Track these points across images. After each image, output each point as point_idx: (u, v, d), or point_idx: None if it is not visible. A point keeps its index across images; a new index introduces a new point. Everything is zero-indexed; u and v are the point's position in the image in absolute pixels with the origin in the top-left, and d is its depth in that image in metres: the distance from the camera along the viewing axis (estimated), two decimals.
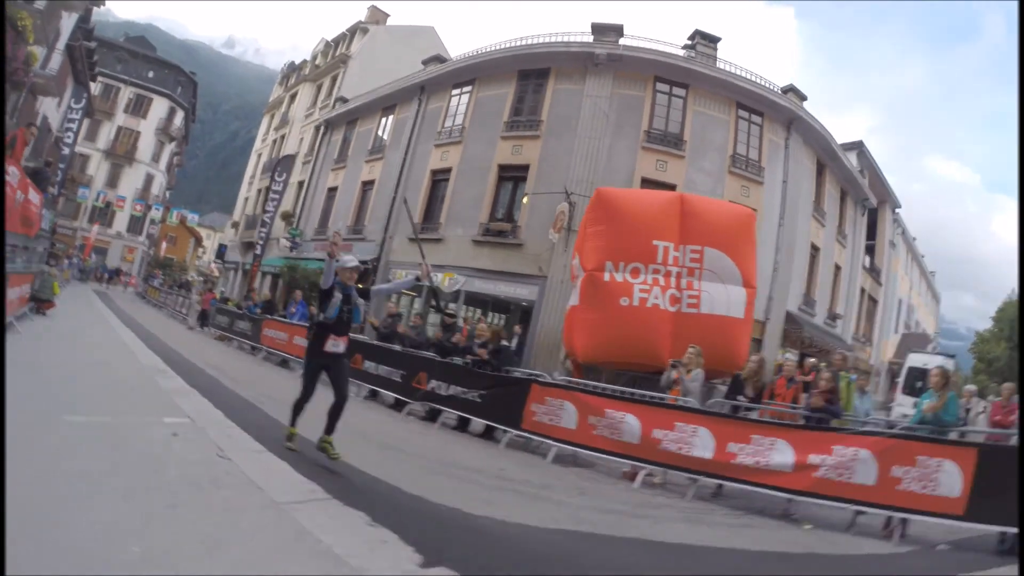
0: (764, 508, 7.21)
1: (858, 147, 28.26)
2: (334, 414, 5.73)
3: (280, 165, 31.57)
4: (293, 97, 41.04)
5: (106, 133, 51.91)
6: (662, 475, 7.90)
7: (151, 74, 54.72)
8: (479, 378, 9.62)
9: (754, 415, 8.47)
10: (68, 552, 2.89)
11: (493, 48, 22.33)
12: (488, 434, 9.43)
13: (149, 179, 54.79)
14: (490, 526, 4.85)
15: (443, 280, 19.57)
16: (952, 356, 26.13)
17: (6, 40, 15.69)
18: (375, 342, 11.96)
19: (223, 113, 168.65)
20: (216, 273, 48.27)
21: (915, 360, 22.90)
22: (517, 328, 16.88)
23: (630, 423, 7.86)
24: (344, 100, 32.09)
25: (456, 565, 3.61)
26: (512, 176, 20.52)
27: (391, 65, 31.72)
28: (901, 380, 23.15)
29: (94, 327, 15.09)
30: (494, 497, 5.92)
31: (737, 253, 12.38)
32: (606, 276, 12.13)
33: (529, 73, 21.04)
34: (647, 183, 18.46)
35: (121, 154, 52.54)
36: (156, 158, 55.49)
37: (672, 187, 17.88)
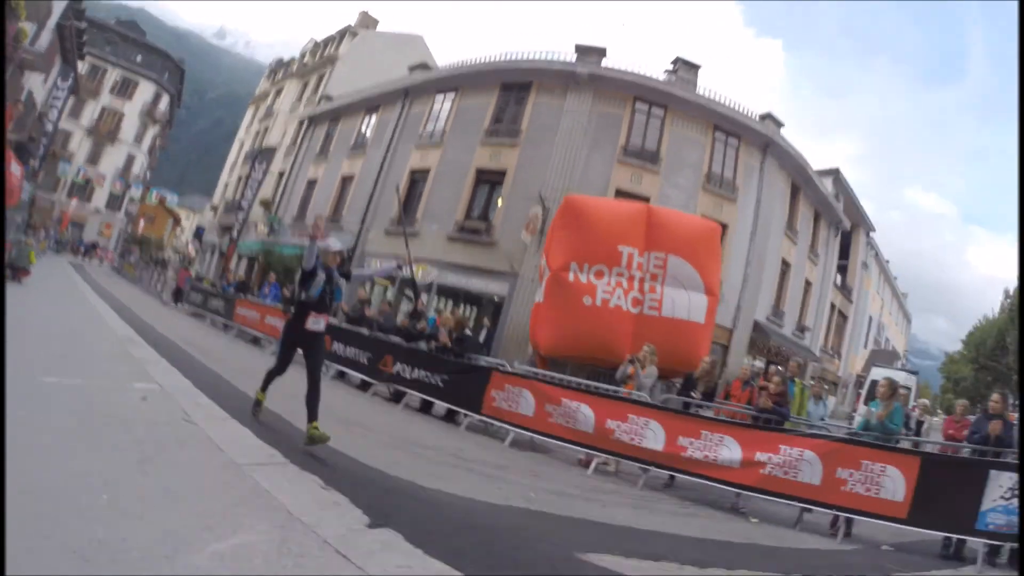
0: (714, 501, 7.55)
1: (834, 174, 29.01)
2: (311, 401, 5.69)
3: (261, 155, 31.78)
4: (279, 91, 41.15)
5: (90, 112, 51.37)
6: (615, 464, 8.23)
7: (139, 58, 54.26)
8: (443, 363, 9.88)
9: (709, 413, 8.84)
10: (41, 495, 3.08)
11: (478, 61, 22.61)
12: (450, 417, 9.70)
13: (130, 159, 54.38)
14: (440, 498, 5.08)
15: (417, 271, 19.78)
16: (915, 372, 26.81)
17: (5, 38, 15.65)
18: (344, 325, 12.14)
19: (209, 101, 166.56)
20: (193, 253, 48.01)
21: (877, 374, 23.39)
22: (486, 321, 17.12)
23: (585, 413, 8.18)
24: (329, 98, 32.26)
25: (400, 528, 3.82)
26: (489, 180, 20.76)
27: (378, 69, 31.94)
28: (863, 392, 23.70)
29: (69, 297, 15.13)
30: (449, 473, 6.15)
31: (701, 262, 12.65)
32: (571, 276, 12.33)
33: (511, 86, 21.31)
34: (621, 194, 18.77)
35: (104, 133, 52.00)
36: (139, 139, 55.02)
37: (646, 199, 18.09)
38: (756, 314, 21.32)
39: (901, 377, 20.49)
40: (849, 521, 6.95)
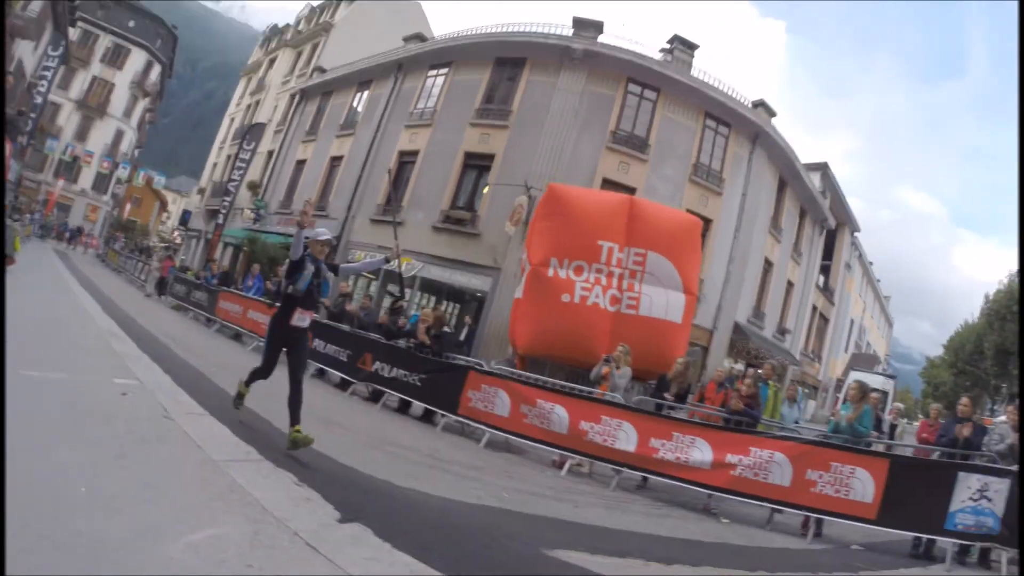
0: (686, 502, 7.70)
1: (822, 168, 29.09)
2: (294, 404, 5.49)
3: (250, 133, 31.21)
4: (272, 62, 40.39)
5: (80, 82, 50.21)
6: (589, 465, 8.39)
7: (132, 23, 53.03)
8: (420, 362, 9.93)
9: (682, 415, 9.03)
10: (22, 486, 3.15)
11: (473, 32, 22.40)
12: (427, 417, 9.76)
13: (119, 135, 53.30)
14: (413, 496, 5.20)
15: (401, 263, 19.72)
16: (893, 377, 27.28)
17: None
18: (324, 320, 11.99)
19: (201, 70, 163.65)
20: (178, 240, 47.58)
21: (854, 378, 23.76)
22: (468, 319, 17.18)
23: (559, 414, 8.31)
24: (322, 70, 31.74)
25: (370, 523, 3.97)
26: (477, 165, 20.62)
27: (373, 38, 31.22)
28: (841, 396, 24.05)
29: (54, 287, 15.07)
30: (423, 473, 6.27)
31: (680, 260, 12.83)
32: (550, 272, 12.47)
33: (505, 61, 21.12)
34: (608, 184, 18.77)
35: (93, 106, 50.93)
36: (128, 113, 54.01)
37: (632, 191, 18.12)
38: (737, 315, 21.53)
39: (879, 382, 20.89)
40: (819, 521, 7.17)
